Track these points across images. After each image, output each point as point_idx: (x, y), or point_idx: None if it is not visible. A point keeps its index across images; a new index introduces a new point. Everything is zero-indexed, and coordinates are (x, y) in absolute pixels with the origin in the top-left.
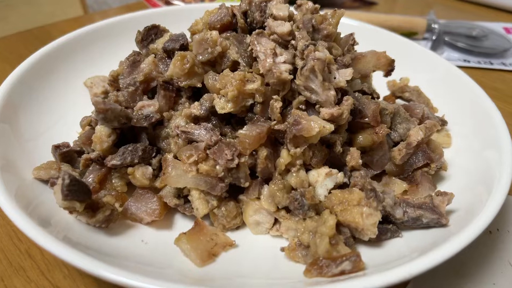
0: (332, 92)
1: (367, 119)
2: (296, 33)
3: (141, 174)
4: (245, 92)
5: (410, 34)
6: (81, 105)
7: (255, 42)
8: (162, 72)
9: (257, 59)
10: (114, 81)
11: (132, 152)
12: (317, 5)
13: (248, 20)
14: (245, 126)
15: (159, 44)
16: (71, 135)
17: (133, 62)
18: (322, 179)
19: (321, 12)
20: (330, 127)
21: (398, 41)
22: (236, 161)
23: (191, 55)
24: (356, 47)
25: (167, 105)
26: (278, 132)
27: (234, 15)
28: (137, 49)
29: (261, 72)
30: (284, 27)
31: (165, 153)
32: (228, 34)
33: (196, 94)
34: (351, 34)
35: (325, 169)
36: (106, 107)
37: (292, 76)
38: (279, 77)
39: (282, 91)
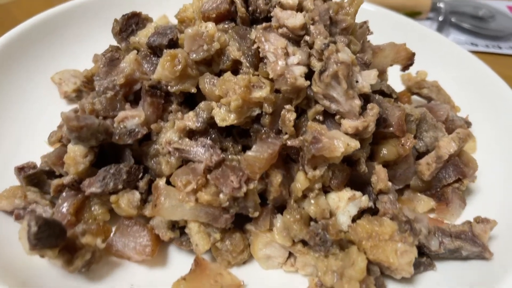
0: (357, 102)
1: (391, 128)
2: (311, 27)
3: (127, 202)
4: (251, 100)
5: (413, 14)
6: (48, 108)
7: (262, 39)
8: (147, 72)
9: (265, 60)
10: (88, 82)
11: (114, 175)
12: None
13: (250, 8)
14: (253, 146)
15: (141, 37)
16: (38, 149)
17: (111, 59)
18: (344, 205)
19: None
20: (355, 144)
21: (406, 24)
22: (244, 188)
23: (183, 54)
24: (368, 37)
25: (154, 114)
26: (291, 148)
27: (232, 2)
28: (115, 42)
29: (270, 76)
30: (296, 20)
31: (154, 172)
32: (227, 26)
33: (189, 99)
34: (365, 22)
35: (347, 192)
36: (80, 124)
37: (308, 82)
38: (293, 84)
39: (295, 100)
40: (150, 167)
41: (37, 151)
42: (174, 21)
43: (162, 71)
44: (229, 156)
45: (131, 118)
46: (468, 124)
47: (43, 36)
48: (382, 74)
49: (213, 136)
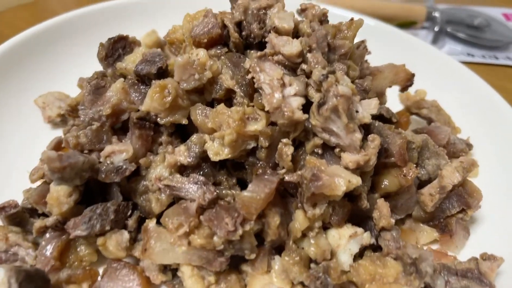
0: (358, 135)
1: (393, 158)
2: (308, 55)
3: (115, 244)
4: (246, 134)
5: (408, 24)
6: (31, 133)
7: (257, 69)
8: (135, 102)
9: (260, 91)
10: (72, 110)
11: (101, 216)
12: (324, 8)
13: (243, 33)
14: (249, 186)
15: (128, 63)
16: (19, 183)
17: (96, 87)
18: (345, 243)
19: (330, 21)
20: (357, 181)
21: (401, 39)
22: (239, 231)
23: (173, 85)
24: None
25: (143, 147)
26: (289, 182)
27: (224, 26)
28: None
29: (266, 109)
30: (292, 47)
31: (143, 210)
32: (219, 51)
33: (180, 129)
34: (363, 42)
35: (348, 229)
36: (63, 165)
37: (307, 116)
38: (291, 117)
39: (293, 133)
40: (139, 204)
41: (17, 187)
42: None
43: (151, 103)
44: (223, 191)
45: (118, 153)
46: (469, 146)
47: (26, 55)
48: (381, 97)
49: (206, 170)
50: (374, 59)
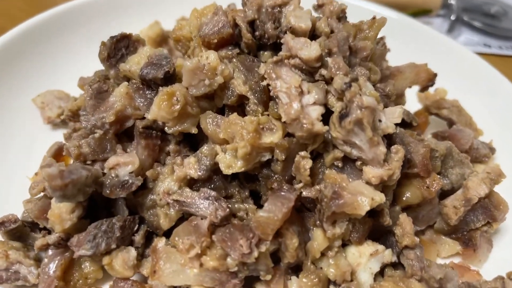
0: (382, 149)
1: (416, 169)
2: (329, 60)
3: (121, 263)
4: (261, 146)
5: (423, 12)
6: (31, 135)
7: (273, 75)
8: (141, 108)
9: (276, 100)
10: (73, 116)
11: (106, 233)
12: (343, 4)
13: (256, 33)
14: (265, 205)
15: (132, 64)
16: (19, 190)
17: (98, 91)
18: (366, 261)
19: (348, 16)
20: (380, 198)
21: (417, 30)
22: (255, 253)
23: (181, 91)
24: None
25: (150, 157)
26: (306, 198)
27: (236, 25)
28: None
29: (283, 120)
30: (311, 51)
31: (151, 225)
32: (230, 53)
33: (188, 136)
34: (381, 39)
35: (368, 247)
36: (65, 182)
37: (327, 128)
38: (310, 130)
39: (311, 145)
40: (146, 219)
41: (19, 189)
42: (167, 25)
43: (158, 111)
44: (236, 205)
45: (124, 166)
46: (492, 150)
47: (22, 50)
48: (400, 98)
49: (217, 183)
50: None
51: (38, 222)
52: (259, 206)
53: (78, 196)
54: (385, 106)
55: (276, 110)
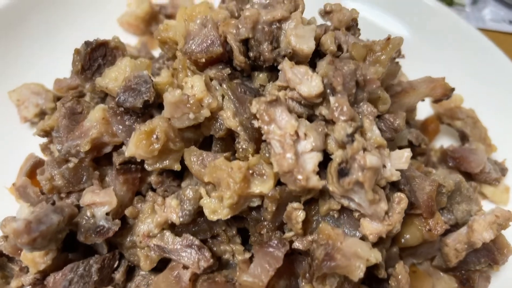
0: (383, 206)
1: (419, 210)
2: (331, 99)
3: None
4: (249, 195)
5: None
6: (6, 136)
7: (266, 118)
8: (118, 134)
9: (268, 146)
10: (46, 135)
11: (83, 278)
12: (354, 11)
13: (250, 54)
14: (250, 267)
15: (109, 80)
16: None
17: (72, 112)
18: None
19: (360, 34)
20: (377, 257)
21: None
22: None
23: (162, 128)
24: None
25: (130, 191)
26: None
27: (226, 42)
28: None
29: (275, 170)
30: (311, 87)
31: (131, 263)
32: (220, 74)
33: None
34: (396, 57)
35: None
36: (33, 236)
37: (323, 183)
38: (304, 186)
39: (305, 195)
40: (126, 257)
41: None
42: None
43: (136, 150)
44: (221, 247)
45: (100, 206)
46: (503, 171)
47: None
48: (411, 112)
49: (202, 225)
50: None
51: (13, 256)
52: (247, 240)
53: (50, 246)
54: (391, 139)
55: (267, 155)
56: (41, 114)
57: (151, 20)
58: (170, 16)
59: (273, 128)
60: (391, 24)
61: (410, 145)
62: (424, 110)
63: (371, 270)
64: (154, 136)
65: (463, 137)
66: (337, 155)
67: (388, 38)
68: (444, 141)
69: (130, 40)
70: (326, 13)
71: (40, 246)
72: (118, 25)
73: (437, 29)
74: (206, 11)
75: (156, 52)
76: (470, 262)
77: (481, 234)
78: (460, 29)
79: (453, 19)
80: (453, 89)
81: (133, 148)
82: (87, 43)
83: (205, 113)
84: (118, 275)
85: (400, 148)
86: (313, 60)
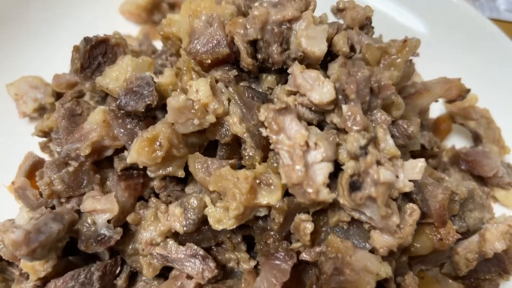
0: (395, 220)
1: (430, 219)
2: (344, 107)
3: None
4: (256, 205)
5: None
6: (5, 131)
7: (274, 127)
8: (120, 138)
9: (276, 156)
10: (45, 136)
11: (84, 286)
12: (368, 8)
13: (259, 56)
14: (257, 279)
15: (110, 80)
16: None
17: (71, 113)
18: None
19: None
20: (387, 272)
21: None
22: None
23: (165, 134)
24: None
25: (132, 197)
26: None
27: (233, 42)
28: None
29: (283, 182)
30: (323, 94)
31: (134, 269)
32: (227, 75)
33: None
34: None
35: None
36: (32, 247)
37: (334, 196)
38: (314, 200)
39: (314, 207)
40: (129, 264)
41: None
42: None
43: (138, 157)
44: (226, 255)
45: (101, 213)
46: None
47: None
48: (423, 113)
49: (206, 233)
50: None
51: (14, 262)
52: (253, 246)
53: (50, 255)
54: (404, 146)
55: (275, 165)
56: (40, 109)
57: (153, 8)
58: (173, 5)
59: (282, 138)
60: (404, 16)
61: (422, 148)
62: (436, 108)
63: (380, 282)
64: (157, 143)
65: (476, 138)
66: (349, 167)
67: (405, 41)
68: (455, 140)
69: (132, 29)
70: (338, 10)
71: (39, 256)
72: (119, 14)
73: (452, 23)
74: (212, 6)
75: (158, 43)
76: (480, 271)
77: (493, 244)
78: (477, 25)
79: (470, 13)
80: (468, 90)
81: (135, 155)
82: (86, 40)
83: (211, 119)
84: (120, 282)
85: (412, 152)
86: (324, 60)
